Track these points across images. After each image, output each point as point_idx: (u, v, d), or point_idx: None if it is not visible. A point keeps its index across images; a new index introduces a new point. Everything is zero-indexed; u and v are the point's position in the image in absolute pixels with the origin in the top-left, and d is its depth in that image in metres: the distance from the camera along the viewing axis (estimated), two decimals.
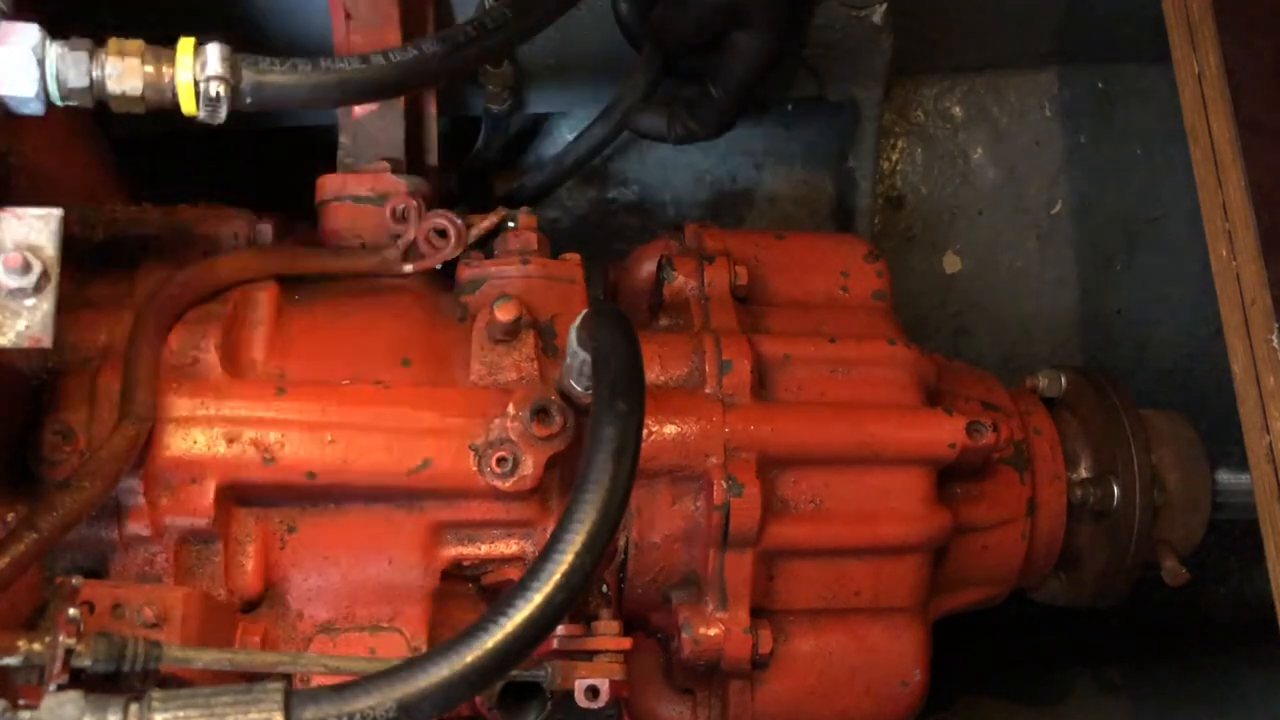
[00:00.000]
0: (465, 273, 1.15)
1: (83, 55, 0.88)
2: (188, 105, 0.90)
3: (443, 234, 1.15)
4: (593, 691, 1.05)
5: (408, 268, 1.15)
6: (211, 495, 1.02)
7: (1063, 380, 1.38)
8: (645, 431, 0.96)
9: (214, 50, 0.89)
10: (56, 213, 0.83)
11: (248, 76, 0.90)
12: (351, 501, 1.06)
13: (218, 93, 0.89)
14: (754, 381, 1.14)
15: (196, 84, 0.89)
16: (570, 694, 1.06)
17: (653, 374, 1.14)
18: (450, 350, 1.12)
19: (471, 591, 1.12)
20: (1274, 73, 1.19)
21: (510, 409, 1.04)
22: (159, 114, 0.92)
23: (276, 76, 0.88)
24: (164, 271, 1.06)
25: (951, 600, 1.29)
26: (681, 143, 1.38)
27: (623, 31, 1.38)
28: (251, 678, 0.93)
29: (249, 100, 0.90)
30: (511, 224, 1.18)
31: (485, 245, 1.19)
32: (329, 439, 1.04)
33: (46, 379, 1.01)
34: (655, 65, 1.36)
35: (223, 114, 0.90)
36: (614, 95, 1.41)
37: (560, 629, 1.06)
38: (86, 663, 0.81)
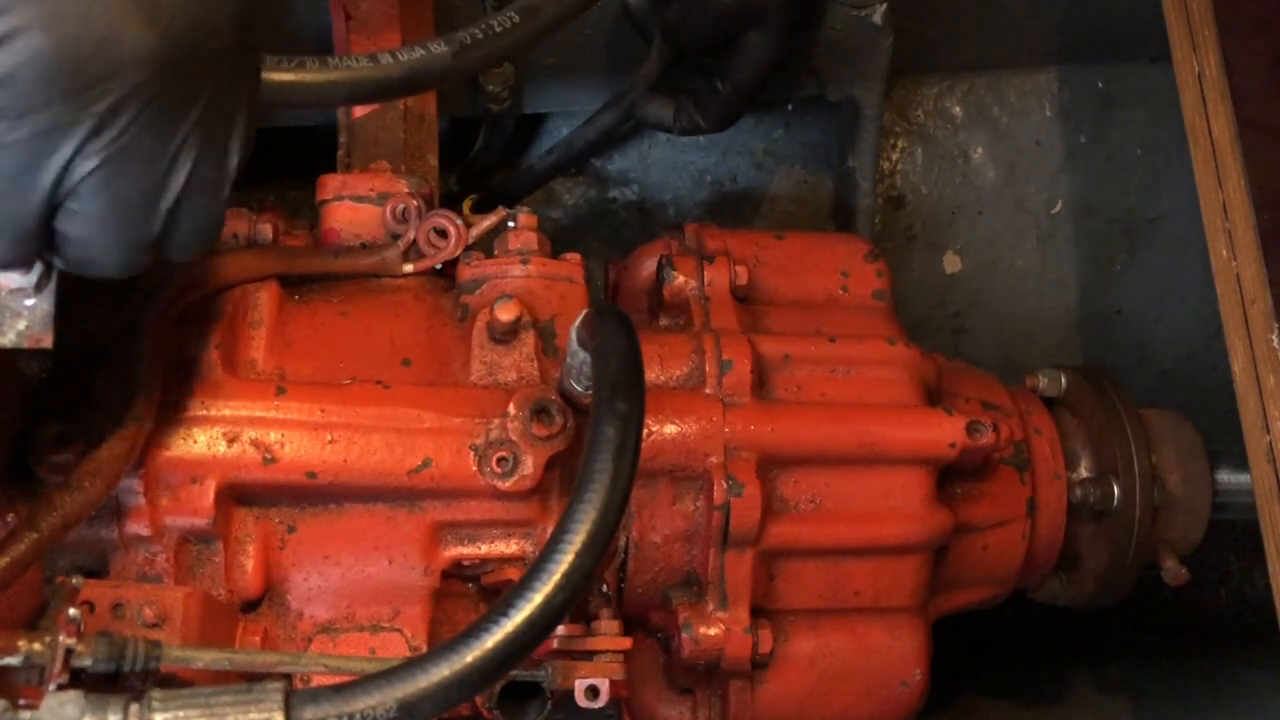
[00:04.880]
0: (465, 273, 1.15)
1: None
2: None
3: (443, 234, 1.15)
4: (593, 691, 1.05)
5: (408, 268, 1.15)
6: (211, 495, 1.02)
7: (1063, 380, 1.38)
8: (645, 431, 0.96)
9: None
10: None
11: None
12: (351, 501, 1.06)
13: None
14: (754, 381, 1.14)
15: None
16: (570, 694, 1.06)
17: (653, 374, 1.14)
18: (450, 350, 1.12)
19: (471, 591, 1.12)
20: (1274, 73, 1.19)
21: (510, 409, 1.04)
22: None
23: (284, 75, 0.88)
24: (164, 271, 1.06)
25: (951, 600, 1.29)
26: (685, 134, 1.39)
27: (631, 23, 1.38)
28: (251, 678, 0.93)
29: None
30: (512, 224, 1.18)
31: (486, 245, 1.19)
32: (329, 439, 1.04)
33: (46, 379, 1.01)
34: (666, 57, 1.36)
35: None
36: (622, 84, 1.42)
37: (560, 629, 1.06)
38: (86, 663, 0.81)
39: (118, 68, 0.67)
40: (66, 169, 0.69)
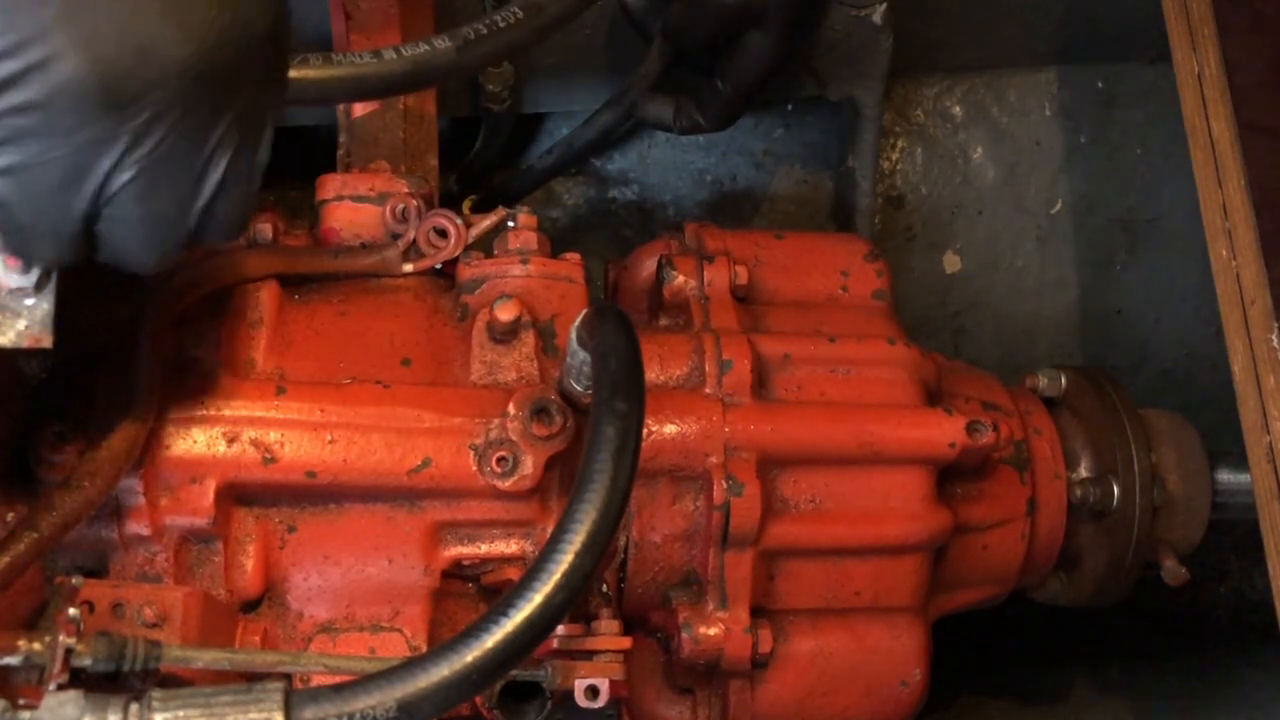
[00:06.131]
0: (465, 272, 1.15)
1: None
2: None
3: (443, 234, 1.15)
4: (593, 691, 1.05)
5: (408, 267, 1.15)
6: (211, 495, 1.02)
7: (1063, 380, 1.38)
8: (645, 431, 0.96)
9: None
10: None
11: None
12: (351, 501, 1.06)
13: None
14: (754, 381, 1.14)
15: None
16: (570, 694, 1.06)
17: (653, 374, 1.14)
18: (450, 350, 1.12)
19: (471, 591, 1.12)
20: (1274, 73, 1.19)
21: (510, 409, 1.04)
22: None
23: (289, 72, 0.88)
24: (164, 271, 1.06)
25: (951, 600, 1.29)
26: (686, 133, 1.39)
27: (630, 22, 1.38)
28: (251, 677, 0.93)
29: None
30: (511, 224, 1.18)
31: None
32: (329, 439, 1.04)
33: (46, 379, 1.01)
34: (666, 56, 1.37)
35: None
36: (621, 84, 1.42)
37: (560, 629, 1.06)
38: (86, 662, 0.81)
39: (152, 85, 0.67)
40: (105, 181, 0.71)
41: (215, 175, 0.74)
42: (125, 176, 0.70)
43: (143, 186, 0.71)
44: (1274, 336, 1.11)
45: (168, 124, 0.69)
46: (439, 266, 1.15)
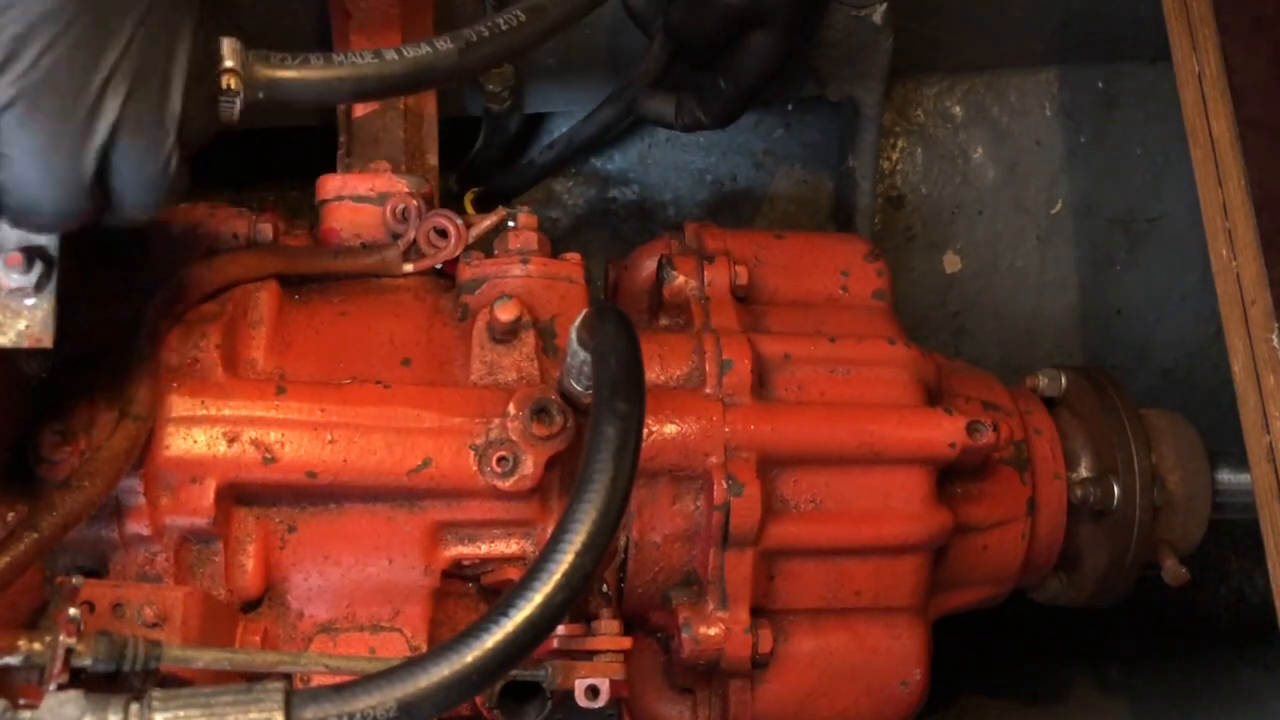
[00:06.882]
0: (465, 272, 1.15)
1: None
2: None
3: (443, 234, 1.15)
4: (593, 691, 1.05)
5: (408, 267, 1.15)
6: (212, 495, 1.02)
7: (1063, 380, 1.38)
8: (645, 431, 0.96)
9: (225, 44, 0.88)
10: None
11: (259, 71, 0.89)
12: (351, 501, 1.06)
13: (229, 86, 0.87)
14: (754, 381, 1.14)
15: None
16: (570, 694, 1.06)
17: (653, 374, 1.14)
18: (450, 350, 1.12)
19: (471, 591, 1.13)
20: (1274, 73, 1.19)
21: (510, 409, 1.04)
22: None
23: (289, 71, 0.87)
24: (164, 271, 1.06)
25: (951, 600, 1.29)
26: (687, 130, 1.39)
27: (633, 19, 1.38)
28: (252, 677, 0.93)
29: (261, 96, 0.89)
30: (511, 224, 1.18)
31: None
32: (329, 439, 1.04)
33: (46, 378, 1.01)
34: (667, 52, 1.37)
35: (236, 110, 0.88)
36: (624, 79, 1.42)
37: (560, 629, 1.06)
38: (87, 662, 0.81)
39: None
40: None
41: (109, 114, 0.72)
42: (4, 96, 0.69)
43: (25, 111, 0.70)
44: (1274, 336, 1.11)
45: (42, 41, 0.68)
46: (439, 266, 1.15)
